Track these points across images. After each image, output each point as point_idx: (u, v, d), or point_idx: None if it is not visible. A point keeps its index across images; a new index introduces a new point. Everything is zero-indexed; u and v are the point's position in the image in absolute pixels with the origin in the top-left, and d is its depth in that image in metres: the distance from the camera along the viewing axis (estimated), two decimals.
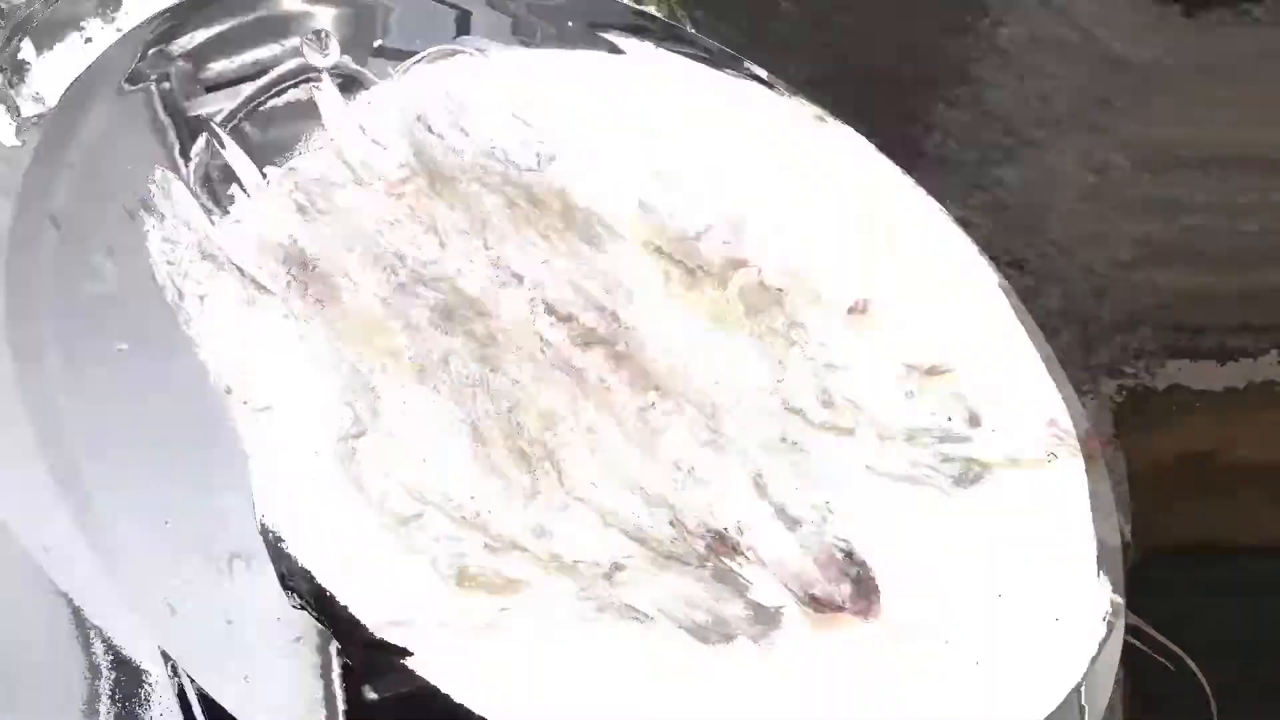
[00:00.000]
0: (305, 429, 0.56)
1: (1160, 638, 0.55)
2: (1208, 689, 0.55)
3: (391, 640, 0.50)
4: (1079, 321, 0.63)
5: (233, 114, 0.65)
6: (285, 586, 0.53)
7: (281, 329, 0.59)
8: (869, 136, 0.64)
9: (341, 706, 0.53)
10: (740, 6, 0.78)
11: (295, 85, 0.67)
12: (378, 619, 0.51)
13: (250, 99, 0.66)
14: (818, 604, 0.53)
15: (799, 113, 0.66)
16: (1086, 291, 0.65)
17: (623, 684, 0.52)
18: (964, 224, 0.61)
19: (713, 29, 0.71)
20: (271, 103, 0.68)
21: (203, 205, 0.62)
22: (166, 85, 0.72)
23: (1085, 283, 0.64)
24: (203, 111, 0.70)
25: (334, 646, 0.54)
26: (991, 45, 0.71)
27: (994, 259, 0.61)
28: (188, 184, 0.63)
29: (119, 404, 0.59)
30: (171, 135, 0.67)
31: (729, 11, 0.76)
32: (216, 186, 0.66)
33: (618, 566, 0.54)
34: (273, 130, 0.70)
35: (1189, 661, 0.55)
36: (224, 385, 0.57)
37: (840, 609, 0.53)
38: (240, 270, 0.59)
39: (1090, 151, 0.67)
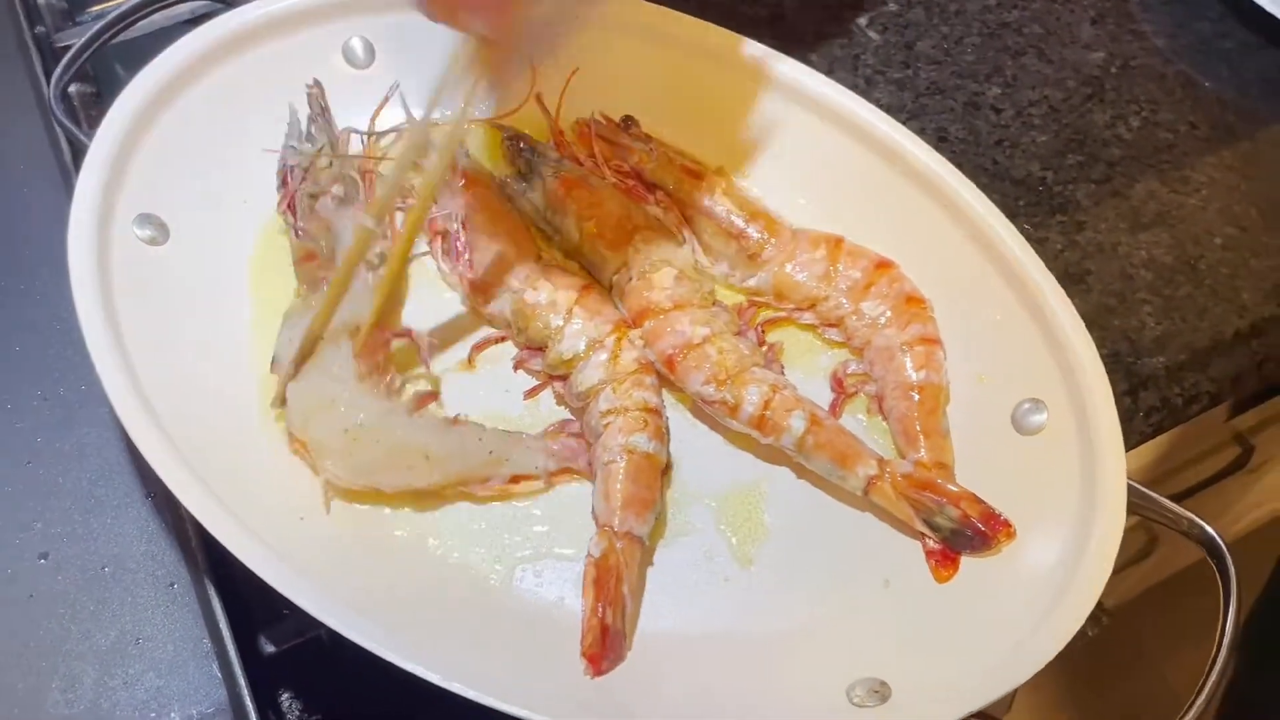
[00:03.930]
0: None
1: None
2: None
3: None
4: None
5: (74, 58, 0.67)
6: None
7: None
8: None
9: (237, 662, 0.50)
10: None
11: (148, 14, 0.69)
12: None
13: (106, 28, 0.67)
14: None
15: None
16: None
17: None
18: None
19: None
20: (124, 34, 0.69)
21: (59, 122, 0.64)
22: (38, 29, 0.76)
23: None
24: (66, 42, 0.73)
25: (215, 593, 0.52)
26: None
27: None
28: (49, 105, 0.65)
29: None
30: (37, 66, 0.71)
31: None
32: (74, 105, 0.69)
33: None
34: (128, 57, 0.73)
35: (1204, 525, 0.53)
36: None
37: None
38: None
39: None
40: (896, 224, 0.61)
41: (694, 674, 0.50)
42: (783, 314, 0.60)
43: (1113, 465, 0.51)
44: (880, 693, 0.47)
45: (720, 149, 0.65)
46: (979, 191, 0.59)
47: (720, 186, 0.62)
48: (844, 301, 0.59)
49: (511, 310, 0.58)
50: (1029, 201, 0.70)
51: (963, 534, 0.52)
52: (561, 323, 0.57)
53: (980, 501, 0.53)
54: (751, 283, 0.61)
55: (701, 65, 0.64)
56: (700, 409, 0.57)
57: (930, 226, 0.60)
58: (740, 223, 0.61)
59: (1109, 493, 0.50)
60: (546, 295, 0.58)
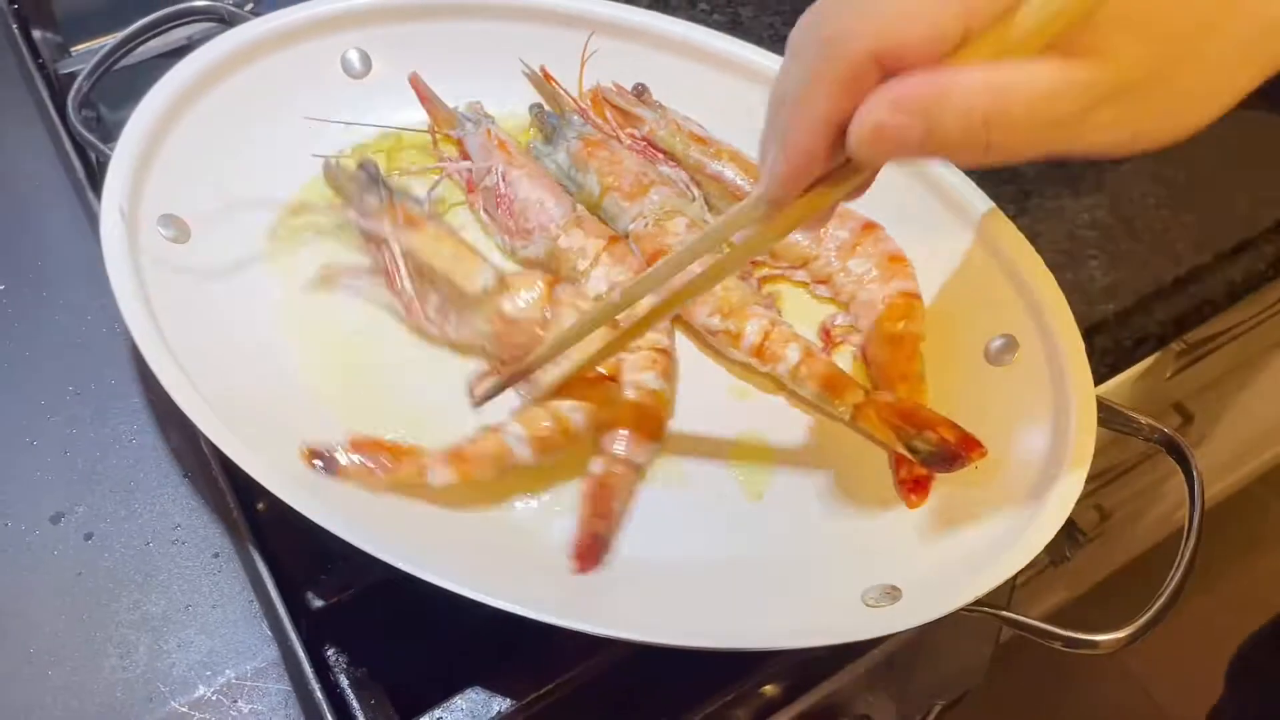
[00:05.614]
0: None
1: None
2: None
3: None
4: None
5: (94, 69, 0.70)
6: None
7: None
8: None
9: (286, 617, 0.53)
10: None
11: (151, 37, 0.73)
12: None
13: (123, 43, 0.71)
14: None
15: None
16: None
17: None
18: None
19: None
20: (126, 59, 0.73)
21: (78, 133, 0.67)
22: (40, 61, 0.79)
23: None
24: (68, 69, 0.77)
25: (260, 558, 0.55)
26: None
27: None
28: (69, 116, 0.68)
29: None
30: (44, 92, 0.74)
31: None
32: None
33: None
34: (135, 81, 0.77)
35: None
36: None
37: None
38: None
39: None
40: (884, 203, 0.67)
41: (715, 593, 0.54)
42: (778, 271, 0.66)
43: (1082, 382, 0.56)
44: (892, 594, 0.52)
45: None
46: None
47: (726, 152, 0.68)
48: (833, 260, 0.65)
49: (545, 252, 0.64)
50: (979, 175, 0.76)
51: (939, 455, 0.57)
52: (588, 266, 0.62)
53: (955, 426, 0.57)
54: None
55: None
56: (705, 347, 0.63)
57: (908, 194, 0.67)
58: (746, 185, 0.67)
59: (1080, 405, 0.56)
60: (578, 241, 0.63)
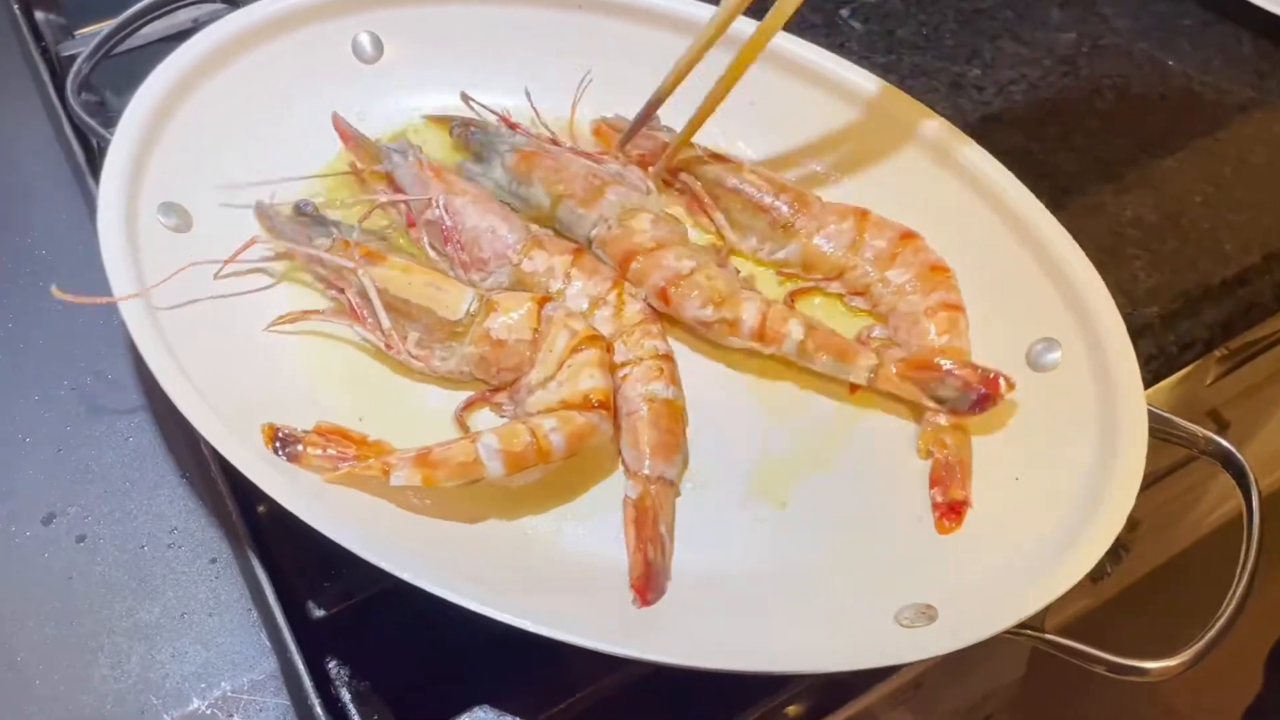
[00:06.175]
0: None
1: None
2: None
3: None
4: None
5: (95, 50, 0.68)
6: None
7: None
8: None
9: (285, 627, 0.50)
10: None
11: (156, 18, 0.71)
12: None
13: (110, 35, 0.68)
14: None
15: None
16: None
17: None
18: None
19: None
20: (131, 41, 0.71)
21: (78, 117, 0.65)
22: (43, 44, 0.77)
23: None
24: (71, 51, 0.74)
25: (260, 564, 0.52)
26: None
27: None
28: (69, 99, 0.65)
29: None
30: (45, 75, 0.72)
31: None
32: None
33: None
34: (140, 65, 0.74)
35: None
36: None
37: None
38: None
39: None
40: (914, 194, 0.65)
41: (735, 609, 0.51)
42: (810, 284, 0.63)
43: (1130, 388, 0.53)
44: (928, 614, 0.48)
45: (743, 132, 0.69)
46: (989, 155, 0.64)
47: (745, 167, 0.65)
48: (870, 270, 0.61)
49: (510, 280, 0.60)
50: (1016, 170, 0.73)
51: (967, 397, 0.55)
52: (562, 285, 0.59)
53: (974, 365, 0.55)
54: (780, 255, 0.63)
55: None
56: (698, 343, 0.60)
57: (945, 194, 0.64)
58: (769, 198, 0.63)
59: (1130, 413, 0.52)
60: (543, 262, 0.59)
